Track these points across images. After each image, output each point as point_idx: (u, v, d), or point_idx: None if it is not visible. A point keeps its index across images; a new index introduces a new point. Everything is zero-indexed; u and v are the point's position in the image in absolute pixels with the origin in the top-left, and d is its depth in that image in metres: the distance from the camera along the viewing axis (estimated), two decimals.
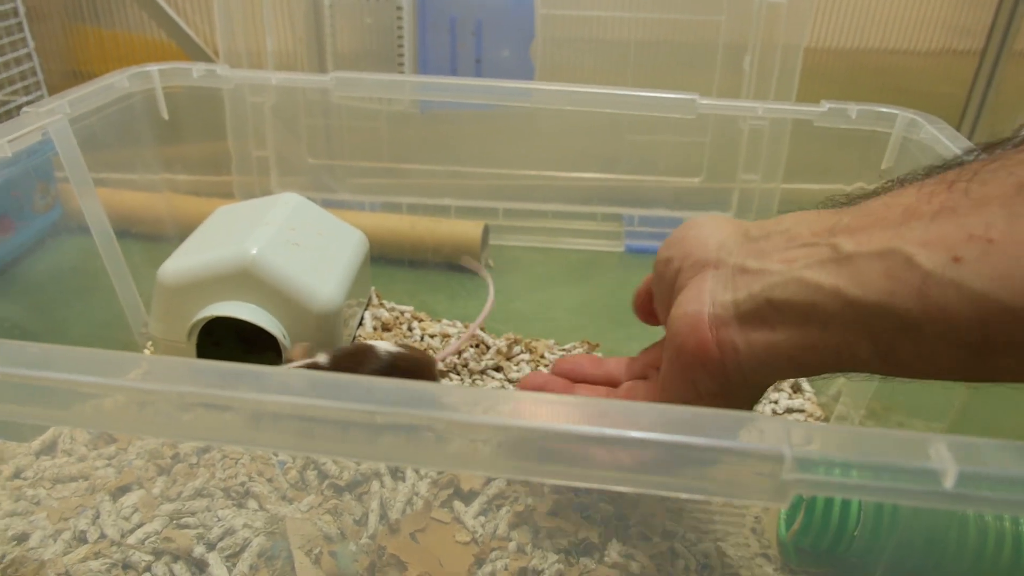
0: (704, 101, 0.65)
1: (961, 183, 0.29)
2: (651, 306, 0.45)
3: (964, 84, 1.10)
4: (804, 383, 0.64)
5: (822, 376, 0.34)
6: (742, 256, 0.36)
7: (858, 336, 0.30)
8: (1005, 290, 0.26)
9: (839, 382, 0.63)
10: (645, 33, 0.89)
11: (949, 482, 0.24)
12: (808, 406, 0.62)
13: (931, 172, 0.32)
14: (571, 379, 0.49)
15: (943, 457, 0.24)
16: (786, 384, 0.64)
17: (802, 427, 0.25)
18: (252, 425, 0.30)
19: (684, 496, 0.24)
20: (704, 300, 0.35)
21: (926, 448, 0.25)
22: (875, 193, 0.34)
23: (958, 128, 1.09)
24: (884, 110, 0.61)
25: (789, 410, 0.61)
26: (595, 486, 0.37)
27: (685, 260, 0.38)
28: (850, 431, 0.26)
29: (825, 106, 0.63)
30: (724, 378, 0.35)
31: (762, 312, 0.33)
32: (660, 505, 0.49)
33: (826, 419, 0.61)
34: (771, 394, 0.63)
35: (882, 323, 0.29)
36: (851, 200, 0.35)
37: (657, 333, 0.65)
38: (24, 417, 0.31)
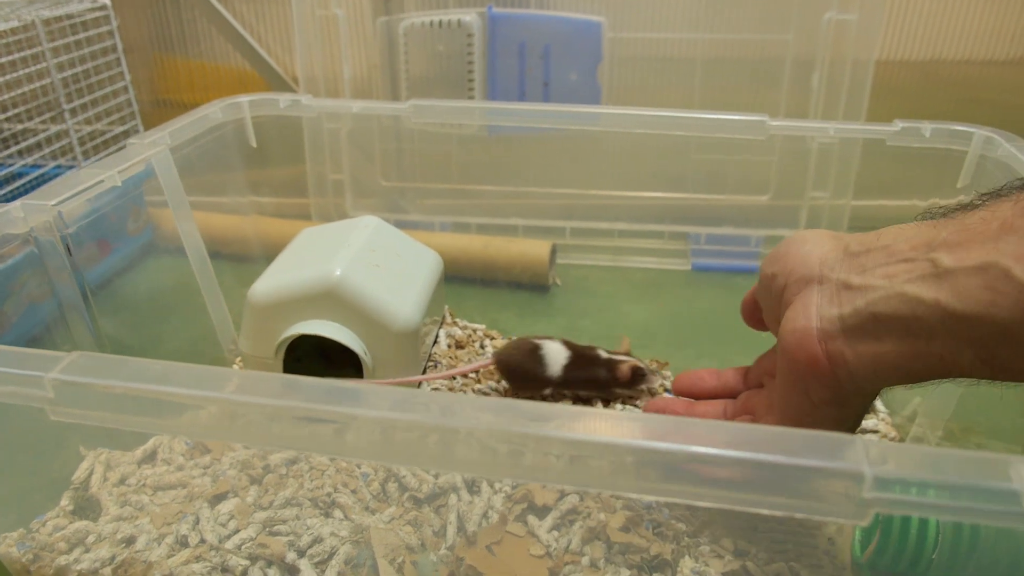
0: (775, 123, 0.66)
1: None
2: (758, 314, 0.49)
3: None
4: (879, 403, 0.64)
5: (927, 383, 0.36)
6: (845, 272, 0.38)
7: (961, 345, 0.32)
8: None
9: (915, 402, 0.62)
10: (712, 51, 0.90)
11: None
12: (883, 427, 0.61)
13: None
14: (691, 394, 0.53)
15: (1023, 478, 0.25)
16: None
17: (881, 446, 0.26)
18: (337, 437, 0.32)
19: (766, 512, 0.26)
20: (811, 315, 0.38)
21: (1007, 469, 0.25)
22: (972, 206, 0.36)
23: None
24: (959, 128, 0.60)
25: (864, 431, 0.61)
26: (680, 501, 0.38)
27: (790, 276, 0.41)
28: (930, 451, 0.27)
29: (898, 125, 0.63)
30: (837, 387, 0.37)
31: (867, 325, 0.36)
32: (733, 523, 0.49)
33: (901, 440, 0.60)
34: None
35: (983, 333, 0.31)
36: (948, 212, 0.37)
37: (730, 346, 0.66)
38: (131, 426, 0.34)
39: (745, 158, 0.89)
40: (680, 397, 0.54)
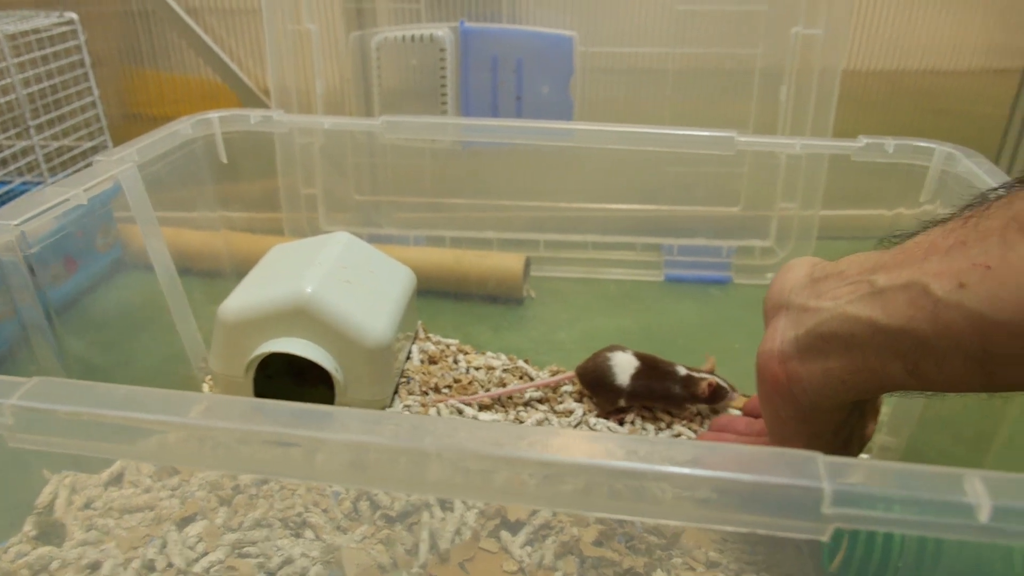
0: (743, 138, 0.67)
1: (974, 218, 0.33)
2: None
3: (1005, 104, 1.09)
4: None
5: (875, 396, 0.39)
6: (804, 296, 0.41)
7: (890, 358, 0.35)
8: (998, 309, 0.30)
9: (883, 412, 0.63)
10: (682, 65, 0.91)
11: (984, 516, 0.25)
12: None
13: (961, 210, 0.36)
14: (756, 414, 0.55)
15: (978, 492, 0.25)
16: None
17: (840, 462, 0.26)
18: (307, 460, 0.32)
19: (729, 529, 0.26)
20: (776, 338, 0.41)
21: (961, 483, 0.26)
22: (913, 233, 0.38)
23: (1000, 148, 1.08)
24: (921, 144, 0.62)
25: None
26: (641, 519, 0.38)
27: (769, 302, 0.44)
28: (887, 466, 0.27)
29: (862, 141, 0.64)
30: (796, 404, 0.40)
31: (817, 344, 0.38)
32: (704, 536, 0.49)
33: (868, 451, 0.61)
34: None
35: (907, 345, 0.34)
36: (899, 238, 0.39)
37: (704, 356, 0.67)
38: (95, 452, 0.34)
39: (716, 171, 0.90)
40: (745, 416, 0.56)
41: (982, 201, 0.35)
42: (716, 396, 0.62)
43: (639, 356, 0.64)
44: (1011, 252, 0.30)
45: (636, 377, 0.63)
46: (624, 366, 0.63)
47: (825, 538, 0.26)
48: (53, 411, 0.31)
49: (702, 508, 0.27)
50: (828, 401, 0.39)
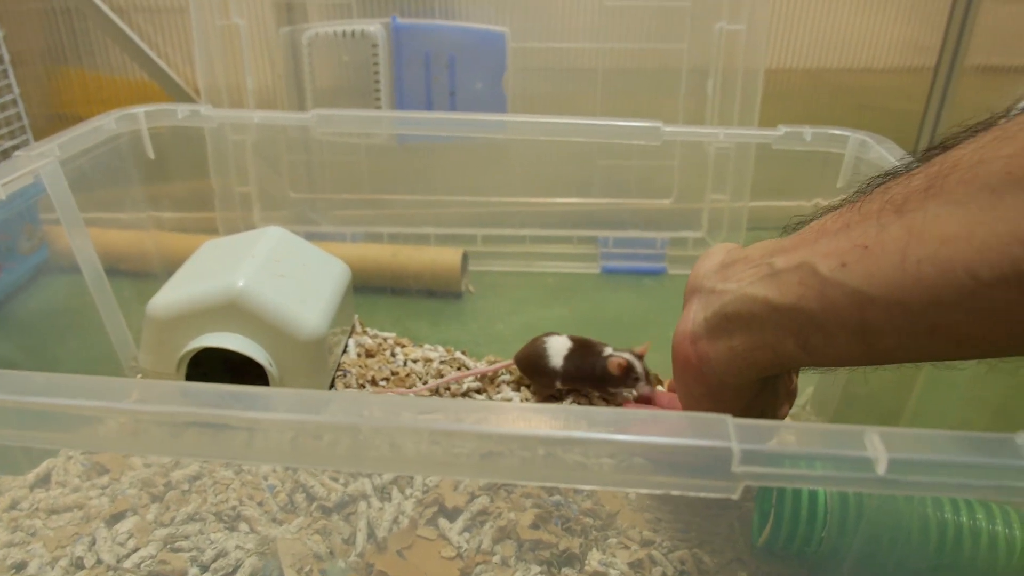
0: (668, 128, 0.69)
1: (858, 204, 0.36)
2: None
3: (921, 99, 1.14)
4: None
5: (777, 374, 0.41)
6: (713, 280, 0.43)
7: (785, 334, 0.37)
8: (873, 285, 0.32)
9: (807, 392, 0.65)
10: (612, 61, 0.93)
11: (882, 468, 0.27)
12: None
13: (851, 195, 0.38)
14: None
15: (876, 446, 0.27)
16: None
17: (747, 423, 0.28)
18: (244, 443, 0.32)
19: (644, 491, 0.27)
20: (688, 319, 0.43)
21: (861, 439, 0.27)
22: (811, 219, 0.40)
23: (916, 141, 1.13)
24: (836, 132, 0.64)
25: None
26: (562, 485, 0.39)
27: (688, 288, 0.46)
28: (792, 425, 0.28)
29: (782, 130, 0.67)
30: (705, 381, 0.42)
31: (722, 324, 0.41)
32: (639, 517, 0.51)
33: None
34: None
35: (798, 321, 0.36)
36: (797, 224, 0.42)
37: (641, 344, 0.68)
38: (27, 441, 0.33)
39: (646, 163, 0.92)
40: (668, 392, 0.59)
41: (867, 187, 0.37)
42: (627, 376, 0.61)
43: (573, 339, 0.65)
44: (884, 232, 0.32)
45: (568, 358, 0.63)
46: (558, 348, 0.64)
47: (736, 496, 0.27)
48: None
49: (621, 472, 0.28)
50: (734, 379, 0.41)
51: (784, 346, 0.37)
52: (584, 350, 0.64)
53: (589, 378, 0.64)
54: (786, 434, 0.28)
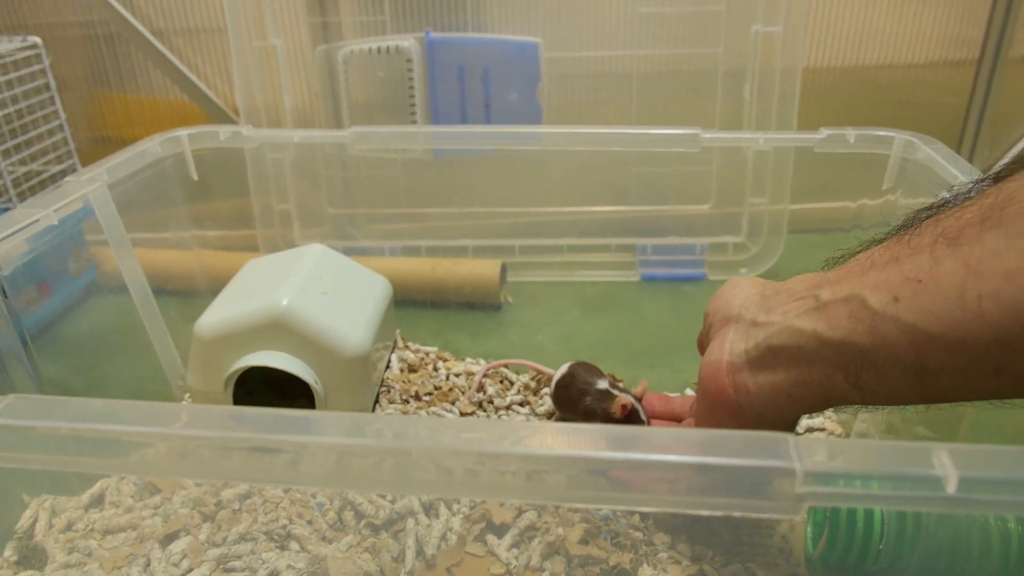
0: (707, 135, 0.68)
1: (907, 236, 0.34)
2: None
3: (964, 94, 1.11)
4: None
5: (821, 411, 0.38)
6: (755, 311, 0.42)
7: (834, 370, 0.36)
8: (930, 321, 0.31)
9: None
10: (647, 67, 0.92)
11: (951, 487, 0.26)
12: (828, 424, 0.63)
13: (896, 229, 0.37)
14: None
15: (945, 464, 0.26)
16: None
17: (810, 442, 0.27)
18: (291, 466, 0.32)
19: (705, 513, 0.26)
20: (724, 350, 0.42)
21: (929, 457, 0.27)
22: (855, 252, 0.39)
23: (960, 137, 1.11)
24: (881, 133, 0.63)
25: (810, 429, 0.63)
26: (620, 507, 0.39)
27: (716, 316, 0.45)
28: (856, 444, 0.28)
29: (824, 132, 0.66)
30: (740, 416, 0.41)
31: (765, 358, 0.39)
32: (690, 529, 0.50)
33: (846, 435, 0.62)
34: None
35: (848, 356, 0.35)
36: (842, 257, 0.41)
37: (682, 353, 0.67)
38: (77, 467, 0.33)
39: (684, 169, 0.91)
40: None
41: (915, 220, 0.36)
42: (629, 420, 0.57)
43: (574, 366, 0.62)
44: (938, 266, 0.31)
45: (560, 387, 0.61)
46: (557, 376, 0.62)
47: (799, 517, 0.27)
48: (31, 428, 0.31)
49: (681, 493, 0.28)
50: (774, 414, 0.40)
51: (833, 382, 0.36)
52: (573, 380, 0.61)
53: (582, 412, 0.60)
54: (849, 453, 0.27)
